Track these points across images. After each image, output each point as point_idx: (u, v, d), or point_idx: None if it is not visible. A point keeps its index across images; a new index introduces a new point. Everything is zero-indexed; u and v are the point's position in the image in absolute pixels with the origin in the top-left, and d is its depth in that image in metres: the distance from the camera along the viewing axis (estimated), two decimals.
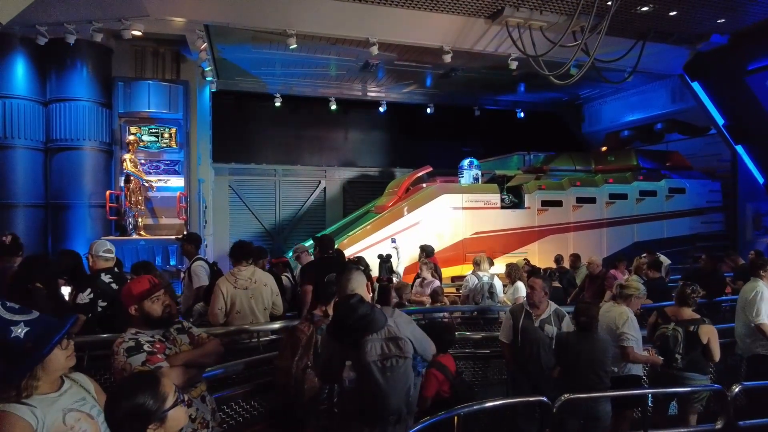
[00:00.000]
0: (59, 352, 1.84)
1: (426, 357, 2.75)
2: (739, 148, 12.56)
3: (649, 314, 6.01)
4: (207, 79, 10.80)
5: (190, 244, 5.33)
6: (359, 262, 7.72)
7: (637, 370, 4.31)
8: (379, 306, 2.73)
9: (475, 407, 3.03)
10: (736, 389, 3.76)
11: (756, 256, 7.80)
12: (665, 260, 6.94)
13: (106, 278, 3.95)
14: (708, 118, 12.55)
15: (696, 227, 12.56)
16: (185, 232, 7.50)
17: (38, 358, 1.77)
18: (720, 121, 12.37)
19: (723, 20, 9.79)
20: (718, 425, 3.75)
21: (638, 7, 8.95)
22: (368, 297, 2.76)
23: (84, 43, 8.76)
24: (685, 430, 4.06)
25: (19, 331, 1.74)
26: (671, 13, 9.30)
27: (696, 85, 12.13)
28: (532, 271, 6.80)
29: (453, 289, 8.68)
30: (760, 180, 12.55)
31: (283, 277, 5.89)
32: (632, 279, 7.66)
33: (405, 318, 2.73)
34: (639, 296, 4.38)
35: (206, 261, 5.39)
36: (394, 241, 9.26)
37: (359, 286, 2.74)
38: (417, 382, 2.67)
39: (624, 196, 11.94)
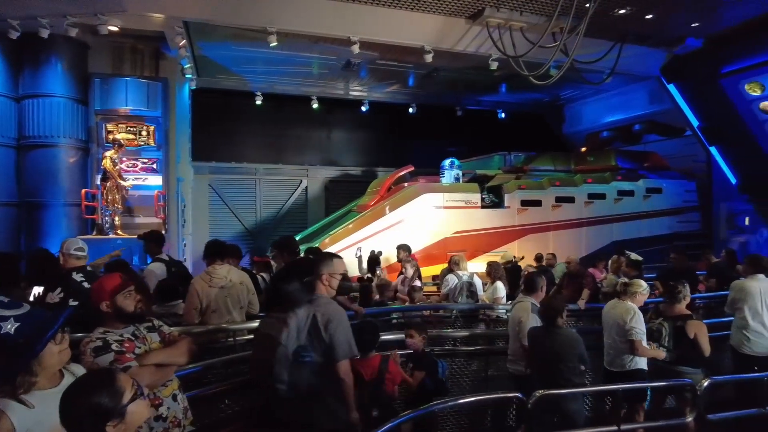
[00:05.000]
0: (53, 347, 1.80)
1: (334, 353, 2.75)
2: (713, 150, 12.85)
3: None
4: (187, 76, 10.67)
5: (151, 242, 5.23)
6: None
7: (643, 364, 4.40)
8: (321, 295, 2.85)
9: (449, 403, 3.05)
10: (705, 383, 3.84)
11: (727, 256, 8.00)
12: (636, 257, 7.10)
13: (77, 277, 3.88)
14: (684, 120, 12.81)
15: (673, 226, 12.78)
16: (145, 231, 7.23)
17: (30, 355, 1.73)
18: (695, 122, 12.64)
19: (697, 24, 10.01)
20: (689, 419, 3.83)
21: (616, 10, 9.09)
22: (325, 288, 2.89)
23: (59, 38, 8.55)
24: (655, 423, 4.14)
25: (9, 326, 1.69)
26: (648, 16, 9.46)
27: (672, 87, 12.37)
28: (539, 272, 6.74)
29: (434, 288, 8.72)
30: (733, 180, 12.86)
31: (259, 276, 5.84)
32: (610, 277, 7.82)
33: (332, 312, 2.80)
34: (643, 293, 4.53)
35: (167, 261, 5.19)
36: (359, 249, 9.33)
37: (325, 268, 2.93)
38: (301, 363, 2.73)
39: (602, 196, 12.10)
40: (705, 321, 4.68)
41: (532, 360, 4.12)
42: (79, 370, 2.01)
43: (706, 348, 4.24)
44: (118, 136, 9.15)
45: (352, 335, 2.87)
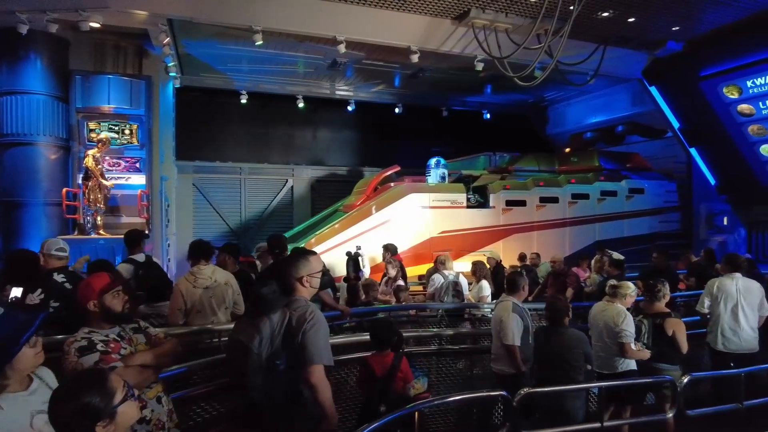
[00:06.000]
0: (28, 350, 1.81)
1: (306, 358, 2.54)
2: (693, 151, 13.12)
3: None
4: (170, 74, 10.54)
5: (129, 242, 5.16)
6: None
7: (634, 365, 4.43)
8: (299, 297, 2.70)
9: (435, 402, 3.06)
10: (685, 380, 3.93)
11: (706, 255, 8.17)
12: (618, 256, 7.22)
13: (58, 278, 3.82)
14: (665, 122, 13.05)
15: (654, 226, 13.02)
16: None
17: (6, 358, 1.73)
18: (676, 124, 12.89)
19: (678, 28, 10.21)
20: (669, 414, 3.91)
21: (599, 12, 9.23)
22: (306, 289, 2.74)
23: (38, 34, 8.38)
24: (637, 420, 4.21)
25: None
26: (630, 20, 9.63)
27: (654, 90, 12.60)
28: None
29: (420, 288, 8.75)
30: (712, 181, 13.14)
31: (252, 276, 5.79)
32: (593, 276, 7.95)
33: (307, 315, 2.61)
34: (632, 295, 4.56)
35: (139, 262, 5.01)
36: (359, 248, 9.30)
37: (303, 269, 2.74)
38: (275, 370, 2.60)
39: (586, 196, 12.28)
40: (685, 319, 4.76)
41: (536, 359, 4.17)
42: (48, 375, 1.99)
43: (684, 345, 4.32)
44: (102, 136, 8.98)
45: (329, 341, 2.66)
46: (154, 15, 8.28)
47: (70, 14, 7.91)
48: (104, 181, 8.77)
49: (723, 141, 12.15)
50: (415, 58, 9.69)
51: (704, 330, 5.39)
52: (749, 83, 10.86)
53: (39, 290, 3.70)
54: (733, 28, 9.96)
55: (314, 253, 2.89)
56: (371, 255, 9.48)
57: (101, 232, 8.80)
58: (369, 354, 3.72)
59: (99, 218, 8.83)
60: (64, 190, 8.87)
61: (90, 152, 8.74)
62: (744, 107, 11.30)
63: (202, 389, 3.73)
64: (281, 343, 2.60)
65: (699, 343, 5.41)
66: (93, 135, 9.16)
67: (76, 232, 8.90)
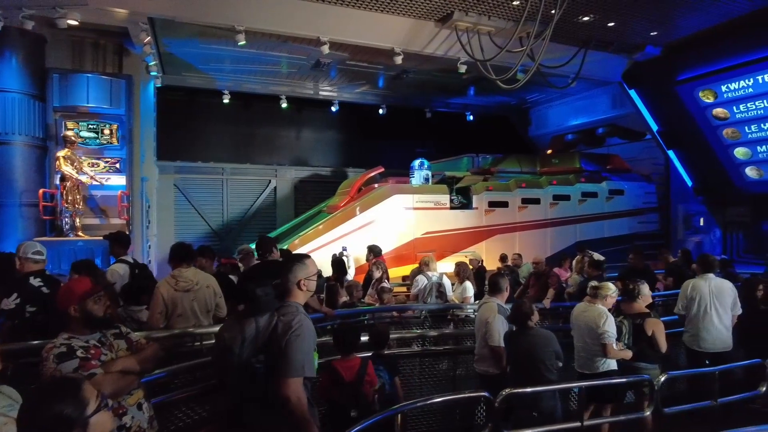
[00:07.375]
0: None
1: (283, 368, 2.46)
2: (671, 153, 13.40)
3: None
4: (151, 73, 10.38)
5: (115, 243, 5.10)
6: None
7: (614, 365, 4.49)
8: (291, 302, 2.64)
9: (418, 404, 3.08)
10: (662, 378, 4.01)
11: (683, 255, 8.35)
12: (599, 257, 7.32)
13: (35, 282, 3.74)
14: (644, 124, 13.31)
15: (634, 227, 13.25)
16: (111, 232, 6.95)
17: None
18: (654, 127, 13.15)
19: (656, 33, 10.44)
20: (647, 412, 4.00)
21: (580, 17, 9.38)
22: (303, 293, 2.69)
23: (14, 31, 8.17)
24: (616, 418, 4.29)
25: None
26: (610, 24, 9.80)
27: (633, 93, 12.83)
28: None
29: (404, 288, 8.77)
30: (689, 183, 13.44)
31: (231, 278, 5.75)
32: (574, 277, 8.06)
33: (295, 323, 2.53)
34: (612, 296, 4.60)
35: (130, 263, 5.03)
36: (345, 249, 9.29)
37: (301, 273, 2.69)
38: (254, 372, 2.59)
39: (567, 197, 12.44)
40: (663, 318, 4.86)
41: (509, 362, 4.21)
42: (7, 389, 1.97)
43: (663, 345, 4.42)
44: (69, 133, 8.77)
45: (312, 355, 2.56)
46: (134, 13, 8.15)
47: (47, 11, 7.73)
48: (82, 178, 8.58)
49: (699, 144, 12.44)
50: (398, 59, 9.72)
51: (682, 329, 5.52)
52: (724, 88, 11.13)
53: (14, 295, 3.62)
54: (709, 33, 10.20)
55: (308, 256, 2.85)
56: (356, 256, 9.48)
57: (80, 233, 8.63)
58: (336, 359, 3.70)
59: (78, 220, 8.65)
60: (41, 190, 8.67)
61: (59, 153, 8.53)
62: (719, 111, 11.59)
63: (184, 393, 3.70)
64: (264, 347, 2.59)
65: (677, 341, 5.53)
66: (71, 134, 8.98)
67: (54, 234, 8.72)
